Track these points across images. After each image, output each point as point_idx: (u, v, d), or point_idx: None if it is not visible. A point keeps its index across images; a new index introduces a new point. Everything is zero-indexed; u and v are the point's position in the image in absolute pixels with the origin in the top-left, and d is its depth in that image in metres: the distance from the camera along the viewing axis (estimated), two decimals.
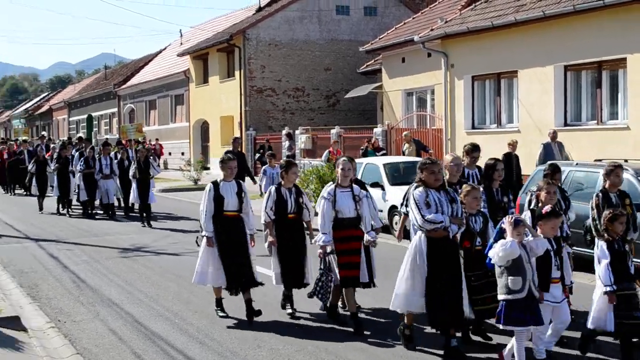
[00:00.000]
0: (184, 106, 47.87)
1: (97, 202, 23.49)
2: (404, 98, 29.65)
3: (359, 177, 19.30)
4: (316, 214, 9.86)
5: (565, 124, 21.69)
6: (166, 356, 8.56)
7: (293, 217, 10.34)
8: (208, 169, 42.25)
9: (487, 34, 23.44)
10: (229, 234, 10.14)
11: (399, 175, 19.28)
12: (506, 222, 7.71)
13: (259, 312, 10.04)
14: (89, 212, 23.28)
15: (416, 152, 23.61)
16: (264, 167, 18.96)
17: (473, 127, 24.97)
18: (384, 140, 28.08)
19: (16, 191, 32.59)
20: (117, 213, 23.24)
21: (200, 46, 44.39)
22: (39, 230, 19.88)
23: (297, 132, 34.64)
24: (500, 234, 7.77)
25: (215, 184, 10.26)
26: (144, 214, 20.88)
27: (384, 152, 26.28)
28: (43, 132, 62.93)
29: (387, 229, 18.23)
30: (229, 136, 41.16)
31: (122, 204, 23.65)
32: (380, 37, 32.18)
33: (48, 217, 23.15)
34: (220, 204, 10.11)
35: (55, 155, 24.86)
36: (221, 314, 10.34)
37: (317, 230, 9.76)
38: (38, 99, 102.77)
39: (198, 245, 10.51)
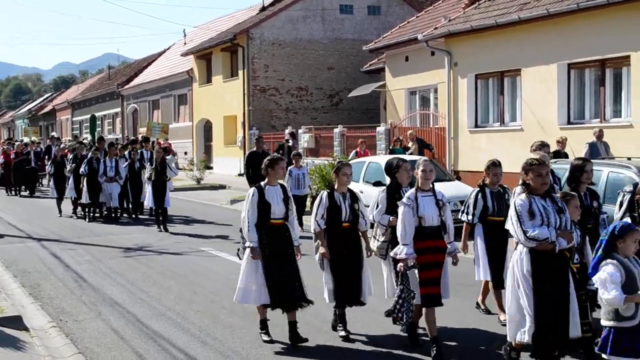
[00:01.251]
0: (187, 106, 47.86)
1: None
2: (407, 97, 29.59)
3: (361, 176, 19.41)
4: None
5: (569, 122, 21.62)
6: (168, 355, 8.54)
7: (348, 226, 9.29)
8: (211, 168, 42.27)
9: (491, 32, 23.38)
10: (275, 245, 9.00)
11: None
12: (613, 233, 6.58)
13: (304, 339, 8.90)
14: (91, 215, 22.18)
15: (419, 151, 23.57)
16: (289, 168, 18.46)
17: (476, 126, 24.91)
18: (386, 138, 28.02)
19: (22, 193, 32.12)
20: (121, 216, 22.54)
21: (203, 46, 44.38)
22: (42, 230, 19.87)
23: (300, 131, 34.59)
24: (609, 248, 6.62)
25: (260, 188, 9.12)
26: (160, 218, 19.81)
27: (411, 151, 24.69)
28: (53, 133, 62.73)
29: None
30: (233, 136, 41.29)
31: (130, 206, 22.69)
32: (384, 35, 32.13)
33: (51, 218, 23.11)
34: (265, 211, 8.99)
35: (70, 156, 23.85)
36: (265, 337, 9.03)
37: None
38: (41, 99, 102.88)
39: (240, 258, 9.38)
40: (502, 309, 9.33)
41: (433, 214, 8.48)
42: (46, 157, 33.20)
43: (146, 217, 22.39)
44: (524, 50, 22.47)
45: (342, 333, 9.20)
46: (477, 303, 10.39)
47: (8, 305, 10.14)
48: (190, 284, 12.58)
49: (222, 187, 33.48)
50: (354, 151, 25.62)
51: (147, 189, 20.86)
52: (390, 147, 24.57)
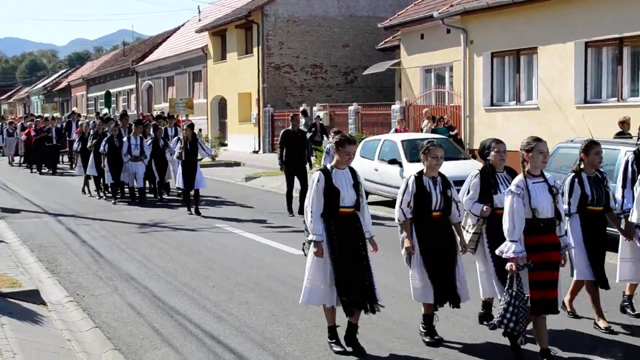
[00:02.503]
0: (202, 83, 47.85)
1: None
2: (422, 75, 29.49)
3: (376, 154, 19.39)
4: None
5: (585, 101, 21.52)
6: (184, 330, 8.59)
7: (438, 216, 8.13)
8: (226, 145, 42.30)
9: (507, 9, 23.24)
10: (345, 238, 7.84)
11: (417, 152, 19.13)
12: None
13: (362, 350, 7.83)
14: (118, 196, 21.02)
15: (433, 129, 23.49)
16: (327, 147, 17.96)
17: (492, 104, 24.84)
18: (401, 116, 27.95)
19: (42, 170, 31.30)
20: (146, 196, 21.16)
21: (218, 22, 44.28)
22: (58, 206, 19.97)
23: (314, 108, 34.56)
24: None
25: (326, 172, 7.89)
26: (191, 201, 18.52)
27: (456, 131, 24.01)
28: (74, 108, 62.62)
29: None
30: (247, 113, 41.28)
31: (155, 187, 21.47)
32: (399, 13, 31.97)
33: (67, 193, 23.23)
34: (333, 198, 7.81)
35: (91, 132, 22.65)
36: (337, 348, 7.89)
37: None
38: (56, 75, 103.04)
39: (305, 254, 8.06)
40: (602, 314, 8.53)
41: (547, 203, 7.29)
42: (66, 133, 32.86)
43: (172, 197, 21.66)
44: (541, 28, 22.33)
45: (427, 339, 8.09)
46: (563, 303, 8.81)
47: (25, 280, 10.22)
48: (206, 260, 12.63)
49: (237, 164, 33.51)
50: (393, 128, 25.03)
51: (174, 169, 20.19)
52: (433, 127, 23.40)
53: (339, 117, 33.00)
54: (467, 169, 17.87)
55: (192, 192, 18.54)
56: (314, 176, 7.96)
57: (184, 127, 18.87)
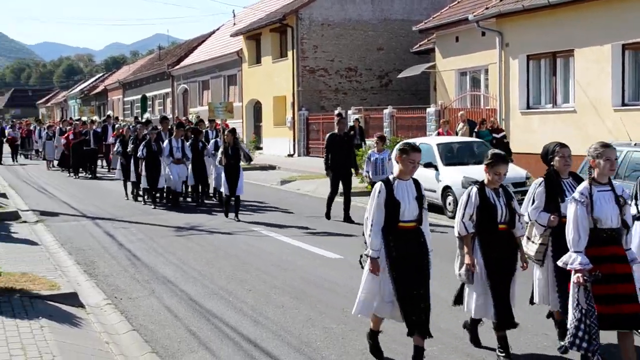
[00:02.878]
0: (237, 86, 48.05)
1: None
2: (457, 78, 29.38)
3: None
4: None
5: (623, 104, 21.31)
6: (220, 334, 8.63)
7: (504, 229, 7.74)
8: (261, 148, 42.44)
9: (543, 12, 23.09)
10: (405, 253, 7.37)
11: (452, 155, 19.18)
12: None
13: None
14: (151, 200, 20.82)
15: (470, 133, 23.40)
16: (369, 152, 17.69)
17: (528, 107, 24.68)
18: (436, 120, 27.88)
19: (80, 174, 31.21)
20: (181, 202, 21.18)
21: (253, 26, 44.45)
22: (96, 209, 20.16)
23: (349, 112, 34.56)
24: None
25: (388, 184, 7.40)
26: (231, 206, 18.24)
27: (503, 134, 23.20)
28: (109, 112, 63.13)
29: (440, 210, 18.23)
30: (282, 116, 41.39)
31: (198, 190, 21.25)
32: (434, 16, 31.88)
33: (104, 197, 23.45)
34: (394, 211, 7.34)
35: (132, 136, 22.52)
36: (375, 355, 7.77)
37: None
38: (93, 79, 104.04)
39: (362, 267, 7.75)
40: None
41: (612, 213, 6.89)
42: (103, 137, 32.88)
43: (213, 202, 21.33)
44: (577, 31, 22.17)
45: (503, 355, 7.67)
46: None
47: (64, 282, 10.33)
48: (242, 263, 12.68)
49: (272, 167, 33.63)
50: (435, 132, 24.57)
51: (214, 173, 20.21)
52: (476, 130, 22.99)
53: (374, 120, 32.98)
54: (511, 172, 17.86)
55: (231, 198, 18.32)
56: (375, 187, 7.46)
57: (226, 132, 18.69)
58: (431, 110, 28.53)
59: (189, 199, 21.72)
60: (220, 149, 18.20)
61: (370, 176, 17.51)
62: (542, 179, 8.05)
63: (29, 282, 9.88)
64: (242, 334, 8.58)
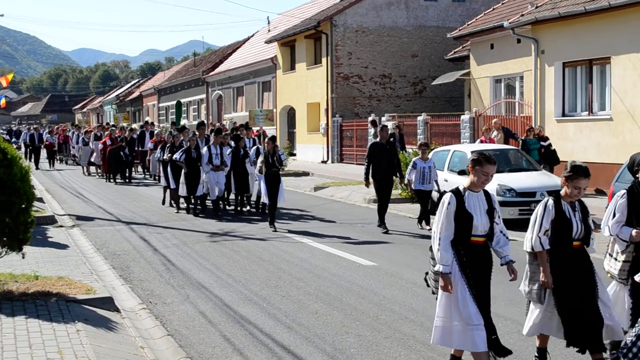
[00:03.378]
0: (271, 93, 48.20)
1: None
2: (492, 85, 29.26)
3: (446, 165, 19.29)
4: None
5: None
6: (254, 340, 8.65)
7: (578, 246, 7.24)
8: (294, 155, 42.52)
9: (579, 19, 22.93)
10: (476, 270, 6.91)
11: None
12: None
13: None
14: (198, 209, 20.45)
15: (504, 140, 23.27)
16: (413, 160, 17.45)
17: (563, 115, 24.50)
18: (471, 127, 27.77)
19: (117, 180, 31.15)
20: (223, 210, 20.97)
21: (287, 33, 44.58)
22: (130, 214, 20.31)
23: (383, 119, 34.54)
24: None
25: (459, 195, 6.95)
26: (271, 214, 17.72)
27: (549, 142, 22.43)
28: (147, 118, 63.36)
29: None
30: (316, 123, 41.45)
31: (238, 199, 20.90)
32: (469, 23, 31.80)
33: (139, 201, 23.62)
34: (466, 224, 6.89)
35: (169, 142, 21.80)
36: None
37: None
38: (129, 85, 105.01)
39: (428, 286, 7.57)
40: None
41: None
42: (140, 143, 33.06)
43: (252, 210, 21.05)
44: (614, 38, 21.98)
45: None
46: None
47: (100, 287, 10.41)
48: (276, 269, 12.70)
49: (306, 174, 33.68)
50: (478, 139, 23.67)
51: (256, 182, 19.88)
52: (522, 138, 22.48)
53: (408, 127, 32.91)
54: (540, 181, 17.77)
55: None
56: (444, 198, 6.99)
57: (266, 140, 18.26)
58: (465, 117, 28.43)
59: (229, 208, 21.51)
60: (260, 157, 17.80)
61: (413, 185, 17.33)
62: (624, 191, 7.62)
63: (65, 286, 9.97)
64: (275, 340, 8.60)
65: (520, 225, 16.99)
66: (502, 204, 16.96)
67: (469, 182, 7.01)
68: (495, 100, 29.02)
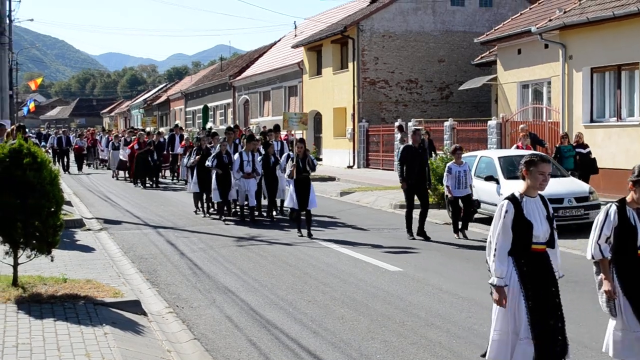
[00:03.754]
0: (297, 97, 48.26)
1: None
2: (519, 90, 29.13)
3: (473, 170, 19.22)
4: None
5: None
6: (280, 345, 8.66)
7: None
8: (320, 159, 42.53)
9: (608, 24, 22.77)
10: (537, 280, 6.50)
11: (514, 169, 18.96)
12: None
13: None
14: (223, 215, 19.93)
15: (532, 146, 23.08)
16: (448, 165, 17.18)
17: (592, 121, 24.33)
18: (498, 133, 27.65)
19: (146, 185, 30.91)
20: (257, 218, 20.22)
21: (314, 38, 44.65)
22: (157, 218, 20.41)
23: (409, 124, 34.49)
24: None
25: (516, 201, 6.54)
26: (302, 222, 17.30)
27: (589, 150, 21.78)
28: (177, 122, 63.20)
29: None
30: (342, 127, 41.45)
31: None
32: (496, 28, 31.69)
33: (166, 205, 23.73)
34: (526, 232, 6.49)
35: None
36: None
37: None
38: (156, 89, 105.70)
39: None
40: None
41: None
42: (169, 147, 32.94)
43: (283, 217, 20.71)
44: None
45: None
46: None
47: (127, 290, 10.47)
48: (302, 274, 12.72)
49: (332, 179, 33.69)
50: (514, 145, 23.06)
51: (283, 187, 19.94)
52: (557, 145, 21.97)
53: (435, 132, 32.78)
54: (568, 187, 17.66)
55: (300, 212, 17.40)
56: (500, 205, 6.59)
57: (296, 143, 17.57)
58: (492, 122, 28.31)
59: (259, 214, 20.77)
60: (290, 162, 17.33)
61: (452, 191, 16.93)
62: None
63: (93, 289, 10.04)
64: (301, 345, 8.61)
65: (569, 232, 16.89)
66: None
67: (525, 186, 6.59)
68: (522, 105, 28.89)
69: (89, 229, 17.43)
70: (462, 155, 17.48)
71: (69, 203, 21.12)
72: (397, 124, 34.35)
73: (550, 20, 25.39)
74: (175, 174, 33.82)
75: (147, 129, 44.14)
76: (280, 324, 9.48)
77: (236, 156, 19.69)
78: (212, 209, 21.14)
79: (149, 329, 9.06)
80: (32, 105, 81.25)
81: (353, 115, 40.21)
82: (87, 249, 14.44)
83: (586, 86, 24.35)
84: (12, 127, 20.39)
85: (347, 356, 8.22)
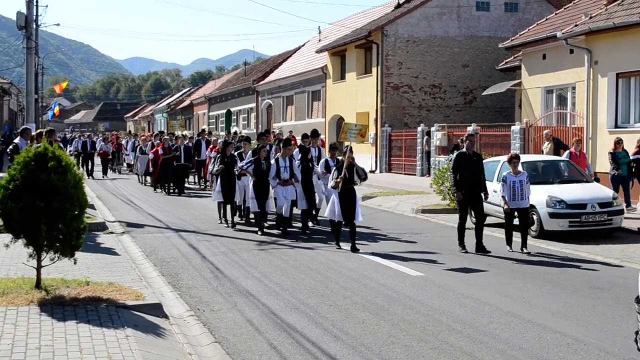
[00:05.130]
0: (321, 102, 48.31)
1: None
2: (543, 95, 29.00)
3: (495, 176, 19.12)
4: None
5: None
6: (301, 348, 8.66)
7: None
8: None
9: (634, 29, 22.60)
10: None
11: (537, 174, 18.90)
12: None
13: None
14: (262, 227, 18.42)
15: (554, 151, 23.00)
16: (503, 174, 15.93)
17: (616, 126, 24.15)
18: (521, 138, 27.52)
19: (170, 191, 29.62)
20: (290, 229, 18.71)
21: (338, 43, 44.70)
22: (179, 221, 20.47)
23: (432, 129, 34.43)
24: None
25: None
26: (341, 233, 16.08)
27: None
28: (203, 127, 62.45)
29: None
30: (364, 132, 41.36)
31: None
32: (521, 33, 31.57)
33: (188, 209, 23.80)
34: None
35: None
36: None
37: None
38: (180, 94, 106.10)
39: (638, 349, 6.69)
40: None
41: None
42: (195, 152, 31.57)
43: (320, 228, 19.29)
44: None
45: None
46: None
47: (149, 293, 10.51)
48: (323, 278, 12.71)
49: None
50: (567, 151, 21.71)
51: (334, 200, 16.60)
52: (611, 151, 21.38)
53: (458, 137, 32.71)
54: (592, 192, 17.53)
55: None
56: None
57: (348, 153, 16.01)
58: (516, 128, 28.18)
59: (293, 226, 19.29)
60: (334, 171, 16.00)
61: (508, 203, 15.62)
62: None
63: (115, 292, 10.09)
64: (322, 349, 8.60)
65: (570, 237, 16.83)
66: (552, 215, 16.83)
67: None
68: (546, 111, 28.75)
69: (111, 232, 17.52)
70: (486, 161, 17.22)
71: (92, 206, 21.23)
72: (420, 128, 34.28)
73: (576, 25, 25.26)
74: (202, 180, 32.49)
75: (177, 133, 43.57)
76: (300, 328, 9.48)
77: (272, 162, 18.39)
78: (237, 218, 20.04)
79: (170, 332, 9.09)
80: (56, 109, 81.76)
81: (376, 119, 40.19)
82: (109, 251, 14.51)
83: (611, 91, 24.19)
84: (39, 130, 20.58)
85: None
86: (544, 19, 31.34)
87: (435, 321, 9.76)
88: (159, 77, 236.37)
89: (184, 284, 12.26)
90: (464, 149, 16.09)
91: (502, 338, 8.94)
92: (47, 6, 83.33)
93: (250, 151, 19.60)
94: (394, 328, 9.48)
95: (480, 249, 15.50)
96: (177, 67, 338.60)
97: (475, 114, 39.71)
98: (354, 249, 15.37)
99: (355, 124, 15.36)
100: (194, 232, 18.51)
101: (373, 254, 15.19)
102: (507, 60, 34.81)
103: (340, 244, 16.00)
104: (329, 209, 16.03)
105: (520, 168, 16.17)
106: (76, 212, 9.70)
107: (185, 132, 42.35)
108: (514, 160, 15.90)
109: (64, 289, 10.01)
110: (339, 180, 15.61)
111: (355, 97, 42.41)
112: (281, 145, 19.08)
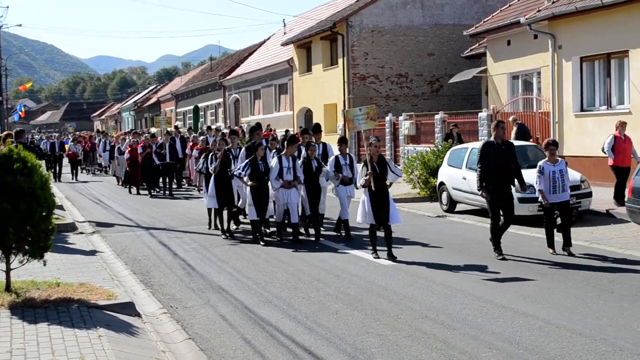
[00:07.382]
0: (288, 95, 48.25)
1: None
2: (509, 81, 29.17)
3: (464, 162, 19.22)
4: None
5: None
6: (275, 342, 8.65)
7: None
8: None
9: (597, 13, 22.77)
10: None
11: None
12: None
13: None
14: (262, 236, 16.04)
15: (520, 136, 22.93)
16: (540, 164, 13.88)
17: (582, 110, 24.35)
18: (489, 124, 27.66)
19: (153, 193, 27.82)
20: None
21: (303, 35, 44.64)
22: (150, 219, 20.37)
23: (400, 118, 34.50)
24: None
25: None
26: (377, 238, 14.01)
27: None
28: (177, 123, 60.45)
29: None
30: (333, 124, 41.42)
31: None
32: (485, 20, 31.71)
33: (158, 207, 23.69)
34: None
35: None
36: None
37: None
38: (146, 91, 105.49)
39: None
40: None
41: None
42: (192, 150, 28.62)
43: (328, 233, 17.08)
44: (632, 31, 21.82)
45: None
46: None
47: (121, 292, 10.45)
48: (296, 271, 12.71)
49: None
50: (611, 136, 19.45)
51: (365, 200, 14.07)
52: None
53: (425, 126, 32.85)
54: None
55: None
56: None
57: (372, 143, 14.03)
58: (483, 114, 28.32)
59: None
60: (363, 169, 13.86)
61: (546, 196, 13.67)
62: None
63: (86, 292, 10.02)
64: (296, 342, 8.60)
65: (540, 221, 16.94)
66: (521, 200, 16.92)
67: None
68: (512, 97, 28.92)
69: (81, 233, 17.41)
70: (454, 148, 17.17)
71: (60, 207, 21.09)
72: (387, 118, 34.32)
73: (539, 10, 25.40)
74: (185, 180, 31.18)
75: (152, 130, 42.47)
76: (274, 322, 9.47)
77: (274, 162, 16.11)
78: (233, 226, 17.80)
79: (143, 330, 9.05)
80: (22, 111, 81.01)
81: (344, 111, 40.17)
82: (80, 252, 14.42)
83: (576, 75, 24.37)
84: (5, 132, 20.42)
85: (341, 351, 8.21)
86: (508, 5, 31.49)
87: (408, 309, 9.80)
88: (125, 75, 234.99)
89: (155, 281, 12.20)
90: (492, 138, 13.97)
91: (475, 323, 8.99)
92: (7, 7, 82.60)
93: (242, 149, 17.55)
94: (368, 318, 9.50)
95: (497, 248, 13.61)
96: (143, 64, 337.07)
97: (442, 102, 39.86)
98: (391, 257, 13.43)
99: (360, 108, 13.46)
100: (164, 229, 18.42)
101: (344, 245, 15.20)
102: (472, 48, 34.97)
103: (309, 237, 15.93)
104: (360, 211, 13.91)
105: (557, 157, 14.07)
106: (44, 214, 9.60)
107: (177, 124, 41.22)
108: (550, 147, 13.88)
109: (34, 291, 9.92)
110: (368, 177, 13.62)
111: (322, 89, 42.39)
112: (285, 142, 16.61)
